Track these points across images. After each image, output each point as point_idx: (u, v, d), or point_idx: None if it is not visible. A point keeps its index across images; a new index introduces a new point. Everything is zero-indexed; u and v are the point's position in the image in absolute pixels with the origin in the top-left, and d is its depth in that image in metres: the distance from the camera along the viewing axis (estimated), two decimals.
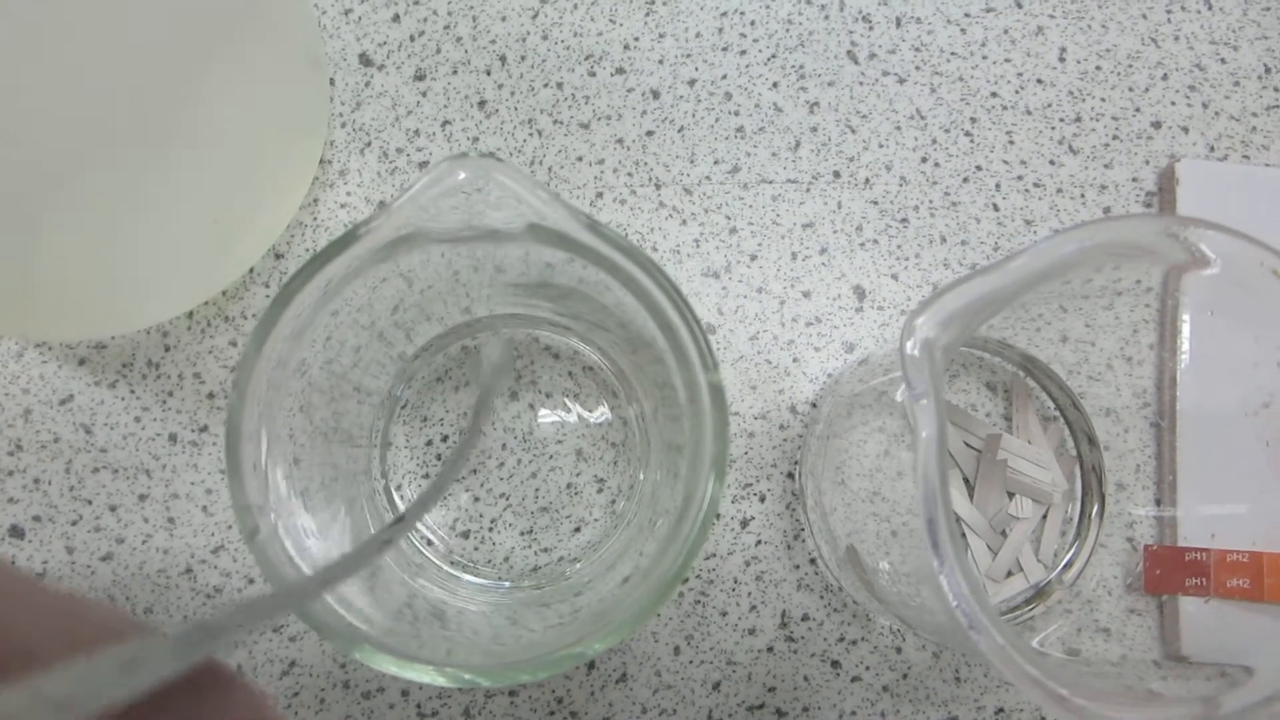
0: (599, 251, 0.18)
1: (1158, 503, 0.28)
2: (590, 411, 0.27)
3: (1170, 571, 0.28)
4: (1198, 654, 0.28)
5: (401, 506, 0.26)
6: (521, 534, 0.27)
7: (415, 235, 0.17)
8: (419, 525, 0.26)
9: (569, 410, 0.27)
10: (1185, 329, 0.28)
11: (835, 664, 0.27)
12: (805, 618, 0.27)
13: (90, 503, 0.26)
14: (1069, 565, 0.27)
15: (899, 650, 0.27)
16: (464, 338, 0.27)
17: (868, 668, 0.27)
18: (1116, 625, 0.28)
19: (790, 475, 0.28)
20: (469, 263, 0.23)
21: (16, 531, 0.26)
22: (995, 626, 0.16)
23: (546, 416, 0.27)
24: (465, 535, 0.26)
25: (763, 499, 0.28)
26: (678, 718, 0.27)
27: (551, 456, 0.27)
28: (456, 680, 0.17)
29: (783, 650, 0.27)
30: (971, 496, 0.27)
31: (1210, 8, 0.32)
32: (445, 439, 0.27)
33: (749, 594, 0.27)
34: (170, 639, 0.09)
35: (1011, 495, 0.28)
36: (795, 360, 0.28)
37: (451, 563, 0.26)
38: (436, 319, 0.26)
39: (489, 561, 0.26)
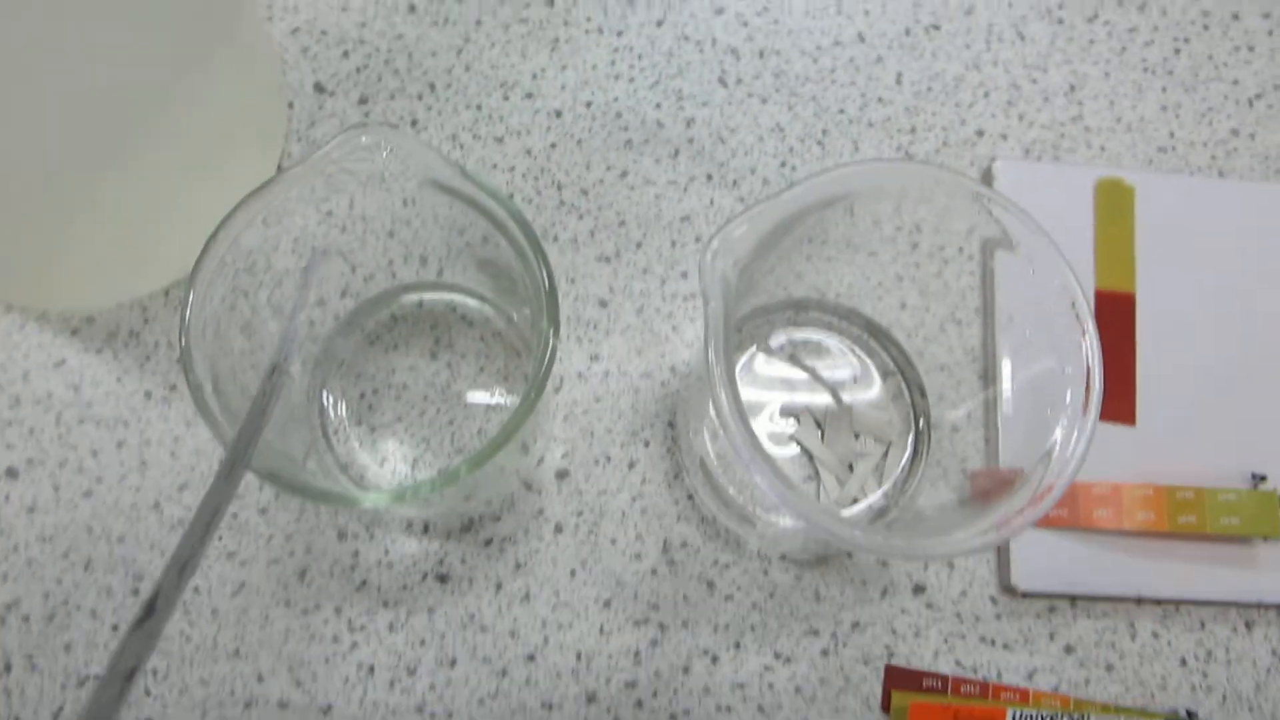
0: (473, 197, 0.23)
1: (986, 442, 0.33)
2: (497, 378, 0.32)
3: (995, 492, 0.32)
4: (1025, 583, 0.32)
5: (338, 448, 0.31)
6: (439, 472, 0.31)
7: (334, 179, 0.23)
8: (359, 460, 0.31)
9: (480, 370, 0.32)
10: (999, 295, 0.33)
11: (710, 584, 0.31)
12: (684, 544, 0.32)
13: (75, 448, 0.31)
14: (905, 489, 0.32)
15: (766, 572, 0.32)
16: (392, 304, 0.32)
17: (739, 587, 0.32)
18: (960, 559, 0.33)
19: (670, 424, 0.33)
20: (395, 226, 0.29)
21: (12, 473, 0.31)
22: (762, 457, 0.21)
23: (467, 377, 0.32)
24: (391, 474, 0.31)
25: (647, 444, 0.33)
26: (573, 630, 0.31)
27: (466, 405, 0.32)
28: (379, 499, 0.22)
29: (664, 573, 0.31)
30: (823, 437, 0.32)
31: (1023, 39, 0.38)
32: (375, 391, 0.32)
33: (635, 524, 0.32)
34: None
35: (858, 436, 0.32)
36: (674, 329, 0.34)
37: None
38: (373, 281, 0.32)
39: None
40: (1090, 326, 0.23)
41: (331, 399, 0.31)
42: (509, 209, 0.23)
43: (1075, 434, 0.23)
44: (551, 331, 0.21)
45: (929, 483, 0.32)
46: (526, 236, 0.22)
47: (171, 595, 0.17)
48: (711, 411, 0.22)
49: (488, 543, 0.31)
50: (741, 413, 0.21)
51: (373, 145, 0.23)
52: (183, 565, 0.18)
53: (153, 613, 0.17)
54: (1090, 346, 0.23)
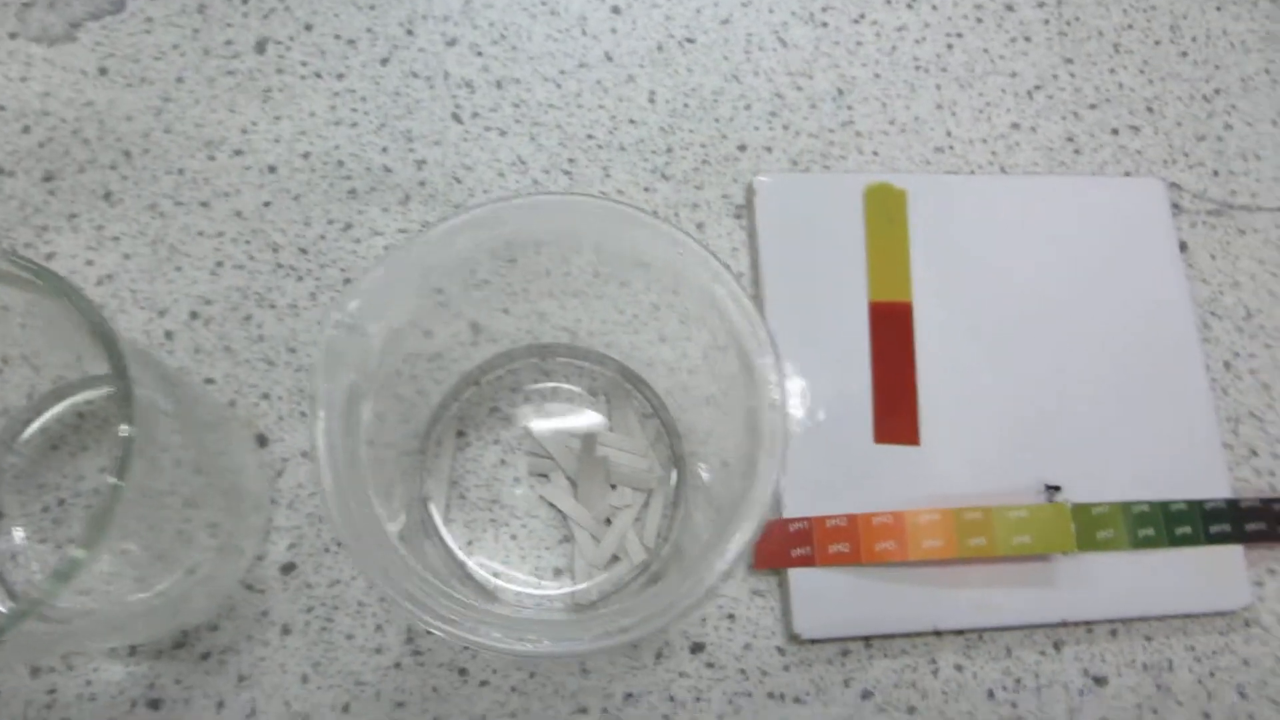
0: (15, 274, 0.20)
1: None
2: None
3: (777, 544, 0.30)
4: (811, 630, 0.29)
5: (11, 578, 0.27)
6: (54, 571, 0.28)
7: None
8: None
9: None
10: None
11: (463, 671, 0.28)
12: (430, 631, 0.28)
13: None
14: (669, 539, 0.29)
15: None
16: (73, 395, 0.29)
17: (495, 671, 0.28)
18: (741, 609, 0.30)
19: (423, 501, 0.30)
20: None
21: None
22: (370, 565, 0.18)
23: None
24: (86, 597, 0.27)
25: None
26: None
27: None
28: None
29: (410, 665, 0.28)
30: (576, 494, 0.29)
31: (785, 45, 0.36)
32: (61, 503, 0.28)
33: (374, 614, 0.28)
34: None
35: (615, 487, 0.30)
36: (419, 393, 0.31)
37: None
38: (44, 376, 0.28)
39: None
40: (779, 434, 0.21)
41: (6, 519, 0.28)
42: (62, 289, 0.19)
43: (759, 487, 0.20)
44: (125, 421, 0.18)
45: (699, 530, 0.30)
46: (88, 318, 0.19)
47: None
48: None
49: (205, 656, 0.28)
50: (349, 519, 0.18)
51: None
52: None
53: None
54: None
